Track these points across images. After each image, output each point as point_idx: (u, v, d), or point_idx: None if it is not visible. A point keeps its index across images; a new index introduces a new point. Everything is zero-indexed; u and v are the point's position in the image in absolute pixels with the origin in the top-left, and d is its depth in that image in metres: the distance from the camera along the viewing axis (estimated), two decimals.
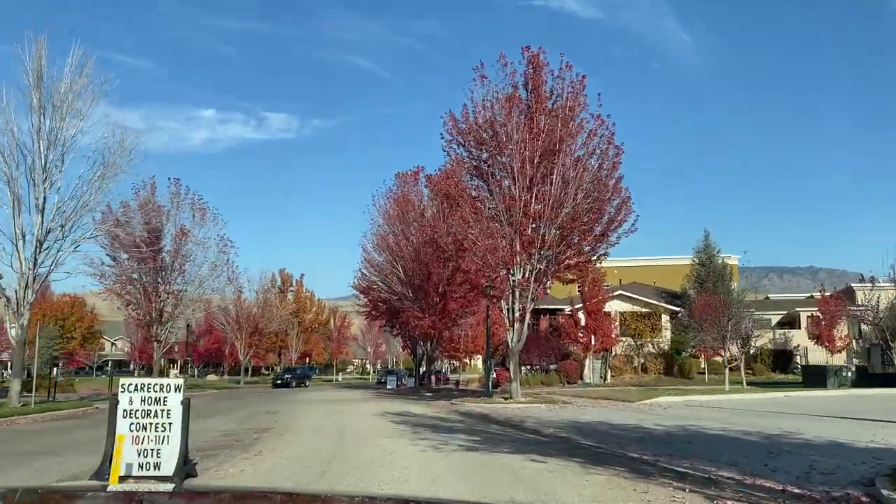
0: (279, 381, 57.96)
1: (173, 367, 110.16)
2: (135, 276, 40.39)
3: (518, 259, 26.61)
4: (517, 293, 27.00)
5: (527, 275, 26.90)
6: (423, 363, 51.91)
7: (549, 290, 27.60)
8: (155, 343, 42.20)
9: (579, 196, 25.79)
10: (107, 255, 40.14)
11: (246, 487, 7.70)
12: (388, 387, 50.12)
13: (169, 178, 41.73)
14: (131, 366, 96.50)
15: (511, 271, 26.94)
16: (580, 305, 44.47)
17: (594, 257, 27.11)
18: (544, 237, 26.07)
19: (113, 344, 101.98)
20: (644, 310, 48.75)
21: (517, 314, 27.14)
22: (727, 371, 31.04)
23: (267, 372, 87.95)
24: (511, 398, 27.05)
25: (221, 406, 27.06)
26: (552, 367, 44.05)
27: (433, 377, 56.42)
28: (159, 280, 40.95)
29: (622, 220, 26.09)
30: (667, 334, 48.60)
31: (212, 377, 77.61)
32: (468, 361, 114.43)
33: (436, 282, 41.13)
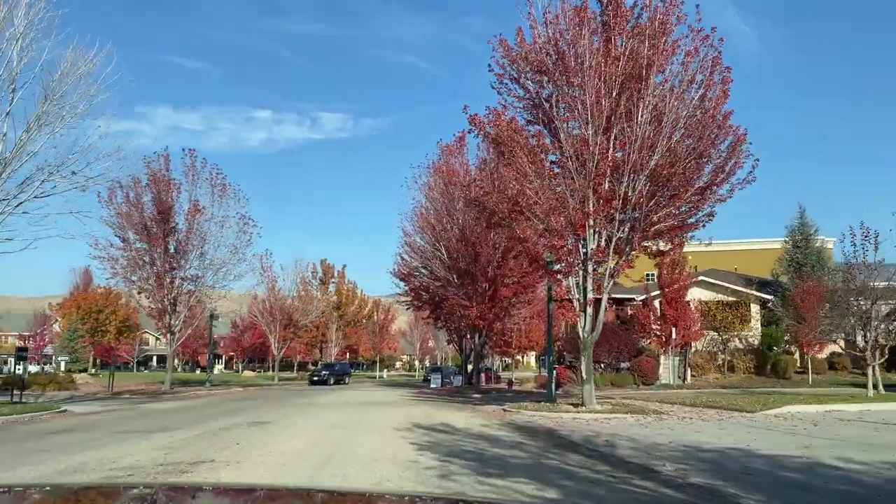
0: (315, 378, 52.61)
1: (218, 362, 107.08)
2: (146, 259, 35.34)
3: (592, 222, 20.02)
4: (590, 268, 20.39)
5: (602, 244, 20.28)
6: (471, 360, 45.66)
7: (633, 265, 20.91)
8: (168, 335, 37.09)
9: (675, 136, 18.99)
10: (115, 235, 35.31)
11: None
12: (432, 385, 43.99)
13: (183, 149, 36.53)
14: (175, 361, 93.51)
15: (582, 239, 20.35)
16: (657, 293, 37.38)
17: (695, 219, 20.21)
18: (627, 193, 19.38)
19: (157, 339, 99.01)
20: (730, 298, 41.24)
21: (590, 296, 20.52)
22: (871, 371, 23.62)
23: (314, 367, 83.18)
24: (582, 405, 20.49)
25: (211, 411, 21.32)
26: (623, 365, 37.08)
27: (482, 375, 50.09)
28: (173, 264, 35.78)
29: (735, 166, 19.14)
30: (756, 327, 40.98)
31: (248, 373, 73.02)
32: (521, 358, 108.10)
33: (484, 264, 34.74)
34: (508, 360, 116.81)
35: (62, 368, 60.48)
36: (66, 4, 27.56)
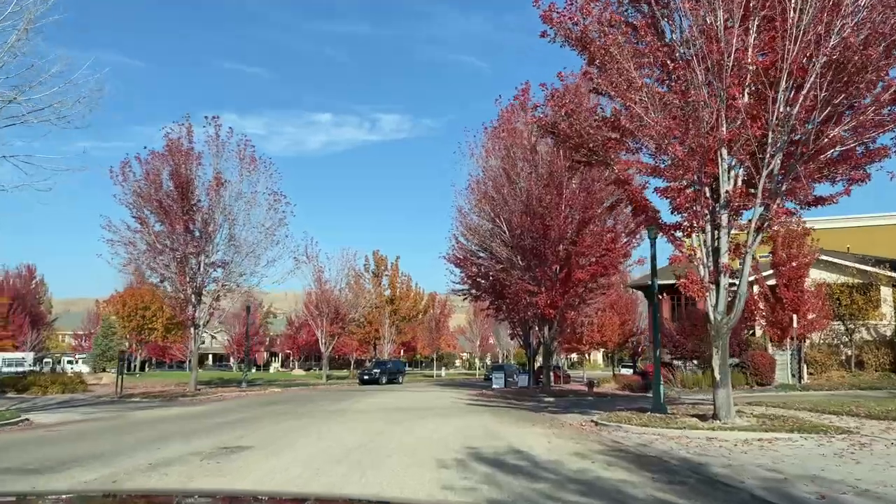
0: (366, 377, 47.27)
1: (274, 360, 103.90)
2: (167, 242, 30.51)
3: (726, 153, 13.53)
4: (724, 219, 13.86)
5: (741, 183, 13.73)
6: (539, 356, 39.32)
7: (796, 212, 14.26)
8: (192, 328, 32.19)
9: (848, 25, 12.29)
10: (133, 217, 30.63)
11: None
12: (494, 386, 37.83)
13: (206, 117, 31.52)
14: (231, 360, 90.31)
15: (712, 178, 13.84)
16: (768, 272, 30.21)
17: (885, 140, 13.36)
18: (779, 108, 12.76)
19: (213, 337, 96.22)
20: (854, 280, 33.54)
21: (724, 260, 13.96)
22: None
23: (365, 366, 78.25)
24: (715, 417, 14.00)
25: (196, 426, 15.70)
26: (731, 361, 29.87)
27: (552, 374, 43.62)
28: (195, 247, 30.84)
29: None
30: (890, 314, 33.14)
31: (299, 372, 68.54)
32: (586, 356, 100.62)
33: (555, 240, 28.38)
34: (573, 358, 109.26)
35: (78, 368, 57.09)
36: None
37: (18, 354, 64.90)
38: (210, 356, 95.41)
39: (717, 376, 14.03)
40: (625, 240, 28.90)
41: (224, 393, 31.91)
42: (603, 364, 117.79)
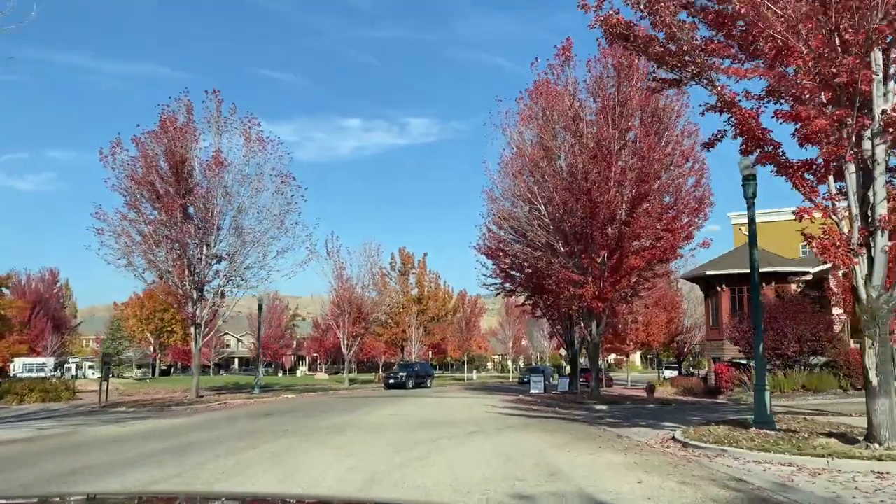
0: (392, 381, 43.25)
1: (301, 363, 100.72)
2: (164, 231, 26.93)
3: (881, 58, 9.17)
4: (880, 152, 9.47)
5: None
6: (582, 356, 34.97)
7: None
8: (193, 328, 28.52)
9: None
10: (126, 204, 27.12)
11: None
12: (533, 391, 33.46)
13: (206, 91, 27.87)
14: (258, 363, 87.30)
15: (860, 97, 9.44)
16: None
17: None
18: None
19: (239, 340, 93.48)
20: None
21: (881, 212, 9.54)
22: None
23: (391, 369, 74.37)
24: (872, 440, 9.57)
25: (149, 449, 11.76)
26: (817, 360, 25.14)
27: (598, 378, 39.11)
28: (194, 236, 27.24)
29: None
30: None
31: (321, 376, 64.91)
32: (626, 357, 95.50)
33: (604, 220, 24.00)
34: (610, 360, 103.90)
35: (78, 374, 54.15)
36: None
37: (39, 359, 62.56)
38: (236, 360, 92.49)
39: (874, 380, 9.58)
40: (686, 219, 24.36)
41: (229, 400, 28.20)
42: (641, 366, 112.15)
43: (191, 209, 27.24)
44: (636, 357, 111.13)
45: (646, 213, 23.81)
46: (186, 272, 27.53)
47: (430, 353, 66.06)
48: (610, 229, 24.48)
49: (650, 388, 23.90)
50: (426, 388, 44.93)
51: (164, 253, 27.08)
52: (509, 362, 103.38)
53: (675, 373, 63.69)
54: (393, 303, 54.27)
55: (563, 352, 78.71)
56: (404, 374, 43.65)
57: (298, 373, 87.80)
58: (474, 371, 72.48)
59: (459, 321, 65.20)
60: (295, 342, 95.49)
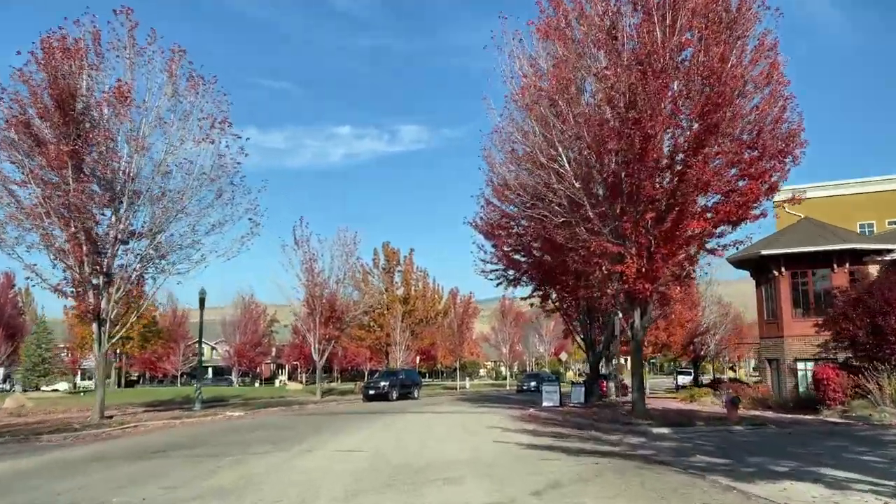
0: (372, 392, 35.79)
1: (281, 372, 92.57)
2: (52, 196, 19.45)
3: None
4: None
5: None
6: (607, 357, 27.81)
7: None
8: (95, 325, 20.93)
9: None
10: (10, 162, 19.78)
11: None
12: (546, 403, 25.92)
13: (114, 11, 20.30)
14: (232, 373, 79.15)
15: None
16: None
17: None
18: None
19: (213, 348, 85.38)
20: None
21: None
22: None
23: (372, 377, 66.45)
24: None
25: None
26: None
27: (612, 385, 31.86)
28: (90, 198, 19.80)
29: None
30: None
31: (295, 385, 57.15)
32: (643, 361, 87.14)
33: (656, 163, 16.77)
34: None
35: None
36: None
37: None
38: (210, 369, 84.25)
39: None
40: (767, 164, 17.07)
41: (150, 421, 20.61)
42: (648, 371, 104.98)
43: (90, 165, 19.73)
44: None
45: (715, 154, 16.61)
46: (85, 249, 20.00)
47: (419, 359, 58.50)
48: (662, 176, 17.27)
49: (733, 403, 16.55)
50: (413, 398, 37.50)
51: (53, 224, 19.53)
52: (503, 368, 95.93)
53: (689, 378, 56.52)
54: (374, 301, 46.77)
55: (563, 356, 71.46)
56: (387, 383, 36.16)
57: (277, 382, 79.74)
58: (467, 379, 64.93)
59: (451, 323, 57.66)
60: (274, 350, 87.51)
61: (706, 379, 57.14)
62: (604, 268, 18.89)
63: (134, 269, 21.57)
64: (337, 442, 13.68)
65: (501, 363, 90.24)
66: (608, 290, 18.91)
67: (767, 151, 16.64)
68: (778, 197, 20.73)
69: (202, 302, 27.88)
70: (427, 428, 17.27)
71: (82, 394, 40.90)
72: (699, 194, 16.89)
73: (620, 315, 19.49)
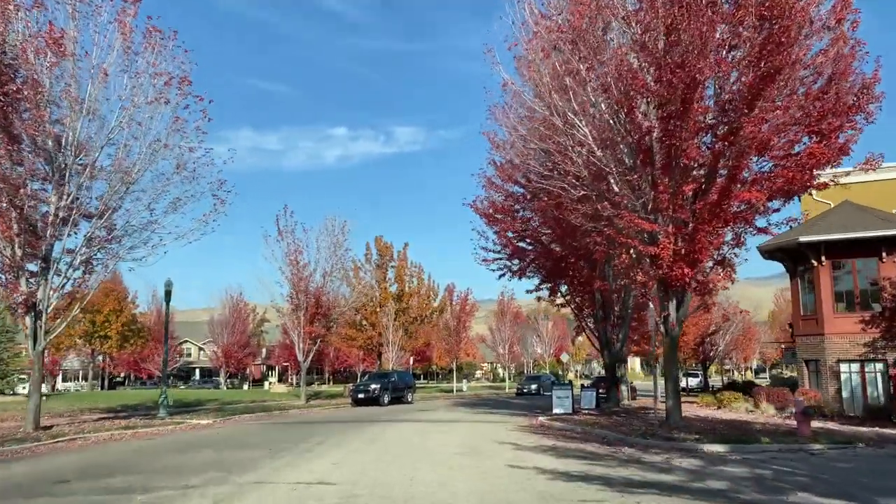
0: (361, 396, 32.45)
1: (271, 374, 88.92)
2: None
3: None
4: None
5: None
6: (620, 360, 24.63)
7: None
8: (29, 319, 17.55)
9: None
10: None
11: None
12: (557, 410, 22.53)
13: None
14: (220, 375, 75.49)
15: None
16: None
17: None
18: None
19: (200, 348, 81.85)
20: None
21: None
22: None
23: (362, 380, 62.84)
24: None
25: None
26: None
27: (625, 389, 28.67)
28: (36, 180, 16.52)
29: None
30: None
31: (280, 388, 53.72)
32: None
33: (693, 128, 13.52)
34: (594, 366, 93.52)
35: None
36: None
37: None
38: (197, 370, 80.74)
39: None
40: (836, 120, 13.86)
41: (98, 434, 17.25)
42: (642, 372, 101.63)
43: (21, 129, 16.39)
44: (635, 362, 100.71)
45: (774, 107, 13.40)
46: (16, 229, 16.67)
47: (413, 360, 55.16)
48: (712, 132, 14.06)
49: (806, 414, 13.21)
50: (406, 403, 34.21)
51: None
52: (500, 370, 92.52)
53: (696, 381, 53.34)
54: (364, 297, 43.45)
55: (564, 358, 68.24)
56: (377, 386, 32.80)
57: (266, 384, 76.12)
58: (464, 381, 61.60)
59: (447, 322, 54.26)
60: (264, 351, 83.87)
61: (713, 381, 53.94)
62: (632, 251, 15.63)
63: (80, 254, 18.23)
64: (301, 468, 10.38)
65: (499, 364, 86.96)
66: (638, 277, 15.66)
67: (841, 103, 13.40)
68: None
69: (168, 295, 24.52)
70: (421, 444, 13.98)
71: (44, 398, 37.18)
72: (753, 157, 13.67)
73: (652, 308, 16.23)
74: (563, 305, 25.27)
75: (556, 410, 22.17)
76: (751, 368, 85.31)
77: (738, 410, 21.55)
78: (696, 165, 14.52)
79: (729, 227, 14.58)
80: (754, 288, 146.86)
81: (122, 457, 12.49)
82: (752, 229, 15.32)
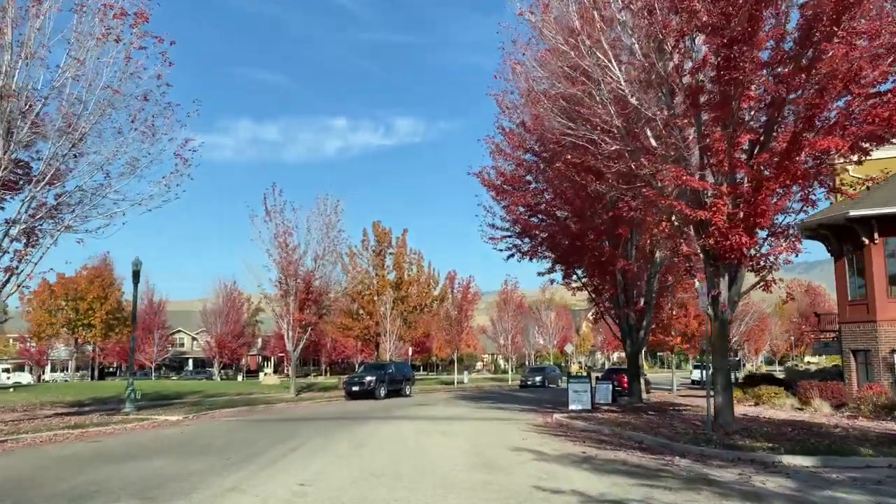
0: (355, 389, 29.77)
1: (267, 364, 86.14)
2: None
3: None
4: None
5: None
6: (639, 344, 21.85)
7: None
8: None
9: None
10: None
11: None
12: (574, 406, 19.66)
13: None
14: (214, 365, 72.70)
15: None
16: None
17: None
18: None
19: (194, 338, 79.13)
20: None
21: None
22: None
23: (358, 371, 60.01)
24: None
25: None
26: None
27: (641, 382, 25.99)
28: None
29: None
30: None
31: (271, 380, 51.01)
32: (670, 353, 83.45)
33: (767, 46, 10.68)
34: (598, 358, 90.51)
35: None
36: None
37: None
38: (190, 360, 78.06)
39: None
40: None
41: (37, 434, 14.51)
42: (646, 364, 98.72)
43: None
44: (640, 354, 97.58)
45: (862, 30, 10.59)
46: None
47: (412, 351, 52.45)
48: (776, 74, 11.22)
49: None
50: (404, 396, 31.53)
51: None
52: (501, 361, 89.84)
53: (699, 373, 50.33)
54: (357, 282, 40.75)
55: (568, 348, 65.51)
56: (373, 378, 30.09)
57: (261, 375, 73.43)
58: (465, 372, 58.91)
59: (448, 311, 51.45)
60: (260, 341, 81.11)
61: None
62: (674, 217, 12.86)
63: (21, 223, 15.42)
64: (254, 490, 7.60)
65: (500, 356, 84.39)
66: (682, 248, 12.87)
67: None
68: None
69: (136, 275, 21.70)
70: (419, 450, 11.22)
71: (11, 390, 34.57)
72: (837, 94, 10.85)
73: (699, 285, 13.37)
74: (579, 289, 22.47)
75: (572, 407, 19.42)
76: (755, 361, 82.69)
77: (783, 408, 18.82)
78: (758, 108, 11.70)
79: (800, 185, 11.75)
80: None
81: (31, 469, 9.71)
82: (823, 189, 12.52)
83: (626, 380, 30.81)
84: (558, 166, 15.90)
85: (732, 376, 50.40)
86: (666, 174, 11.80)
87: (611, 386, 24.11)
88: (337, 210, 31.95)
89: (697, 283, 12.92)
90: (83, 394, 29.30)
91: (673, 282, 21.60)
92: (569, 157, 14.57)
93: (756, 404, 20.41)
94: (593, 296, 22.09)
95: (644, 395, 27.17)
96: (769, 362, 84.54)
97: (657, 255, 19.86)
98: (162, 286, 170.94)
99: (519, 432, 14.05)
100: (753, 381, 30.03)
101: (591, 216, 17.70)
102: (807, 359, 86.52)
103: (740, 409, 19.19)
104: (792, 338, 76.64)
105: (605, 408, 20.23)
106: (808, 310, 77.36)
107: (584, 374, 27.71)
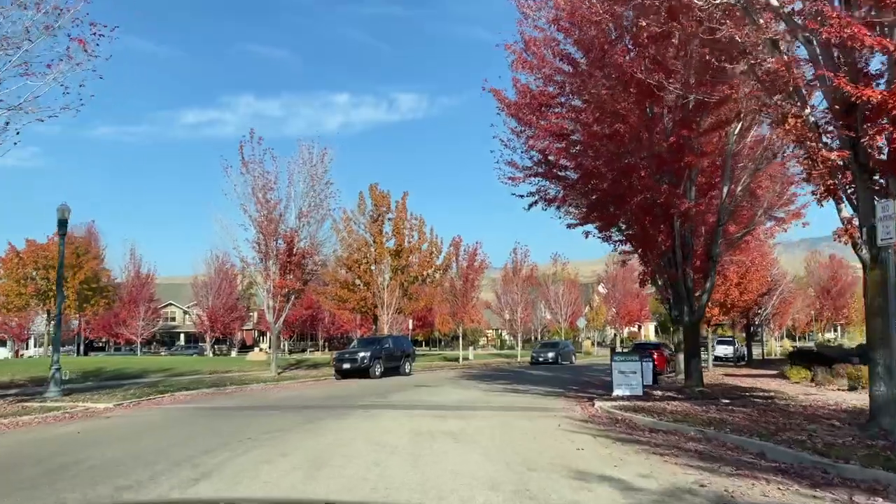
0: (347, 366, 25.48)
1: (262, 339, 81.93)
2: None
3: None
4: None
5: None
6: (696, 312, 17.34)
7: None
8: None
9: None
10: None
11: None
12: (620, 391, 15.17)
13: None
14: (206, 340, 68.45)
15: None
16: None
17: None
18: None
19: (185, 312, 74.94)
20: None
21: None
22: None
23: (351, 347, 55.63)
24: None
25: None
26: None
27: (676, 361, 21.46)
28: None
29: None
30: None
31: (257, 356, 46.79)
32: (638, 329, 79.72)
33: None
34: (608, 332, 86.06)
35: None
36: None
37: None
38: (182, 335, 73.95)
39: None
40: None
41: None
42: (656, 338, 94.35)
43: None
44: (649, 328, 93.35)
45: None
46: None
47: (414, 325, 48.07)
48: None
49: None
50: (403, 374, 27.25)
51: None
52: (507, 336, 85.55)
53: (730, 349, 46.04)
54: (357, 252, 36.28)
55: (580, 323, 61.05)
56: (367, 354, 25.72)
57: (256, 350, 69.25)
58: (470, 348, 54.59)
59: (452, 282, 46.86)
60: (255, 315, 76.80)
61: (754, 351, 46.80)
62: (805, 113, 8.14)
63: None
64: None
65: (505, 331, 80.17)
66: (819, 154, 8.23)
67: None
68: None
69: (63, 224, 17.14)
70: (415, 471, 6.69)
71: None
72: None
73: (881, 204, 8.62)
74: (622, 242, 17.81)
75: (618, 392, 14.91)
76: (777, 338, 78.37)
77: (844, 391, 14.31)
78: None
79: None
80: (781, 255, 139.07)
81: None
82: None
83: (662, 357, 26.71)
84: (616, 59, 11.14)
85: (755, 352, 45.94)
86: (821, 19, 7.04)
87: (652, 364, 19.71)
88: (324, 160, 27.20)
89: (878, 205, 8.12)
90: (29, 371, 24.91)
91: (744, 231, 17.02)
92: (637, 29, 9.78)
93: (847, 390, 15.85)
94: (642, 258, 17.42)
95: (682, 376, 22.71)
96: (790, 338, 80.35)
97: (725, 191, 15.12)
98: (160, 261, 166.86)
99: (563, 434, 9.54)
100: (808, 357, 25.52)
101: (650, 139, 13.00)
102: (828, 335, 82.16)
103: (832, 397, 14.66)
104: (812, 312, 72.38)
105: (658, 394, 15.73)
106: (830, 283, 72.92)
107: (629, 350, 23.29)
